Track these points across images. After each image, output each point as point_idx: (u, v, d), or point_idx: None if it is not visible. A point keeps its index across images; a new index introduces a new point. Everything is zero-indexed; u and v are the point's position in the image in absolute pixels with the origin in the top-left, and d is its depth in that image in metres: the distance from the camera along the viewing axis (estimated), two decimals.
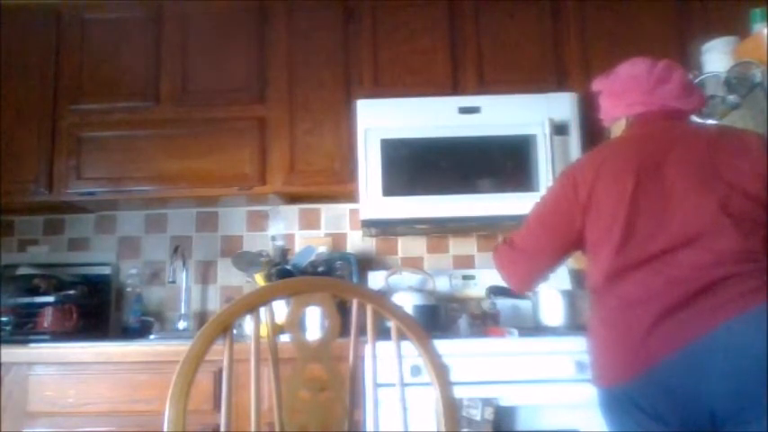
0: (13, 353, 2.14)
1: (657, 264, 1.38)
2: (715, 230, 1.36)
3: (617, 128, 1.67)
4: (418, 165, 2.43)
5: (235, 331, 1.13)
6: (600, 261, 1.46)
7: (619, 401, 1.39)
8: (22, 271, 2.62)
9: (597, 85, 1.71)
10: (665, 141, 1.49)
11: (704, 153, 1.44)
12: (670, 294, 1.33)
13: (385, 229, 2.60)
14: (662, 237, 1.39)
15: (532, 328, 2.35)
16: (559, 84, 2.54)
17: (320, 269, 2.54)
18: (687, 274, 1.34)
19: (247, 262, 2.53)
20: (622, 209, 1.42)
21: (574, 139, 2.41)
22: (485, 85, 2.55)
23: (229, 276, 2.79)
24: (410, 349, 1.19)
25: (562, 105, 2.42)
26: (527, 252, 1.62)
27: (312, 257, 2.54)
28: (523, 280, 1.68)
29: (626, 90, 1.61)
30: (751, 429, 1.26)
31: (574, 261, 1.80)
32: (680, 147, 1.47)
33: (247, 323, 2.36)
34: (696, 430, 1.31)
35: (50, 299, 2.51)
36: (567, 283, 2.43)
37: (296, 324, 1.15)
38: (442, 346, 1.24)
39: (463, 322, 2.39)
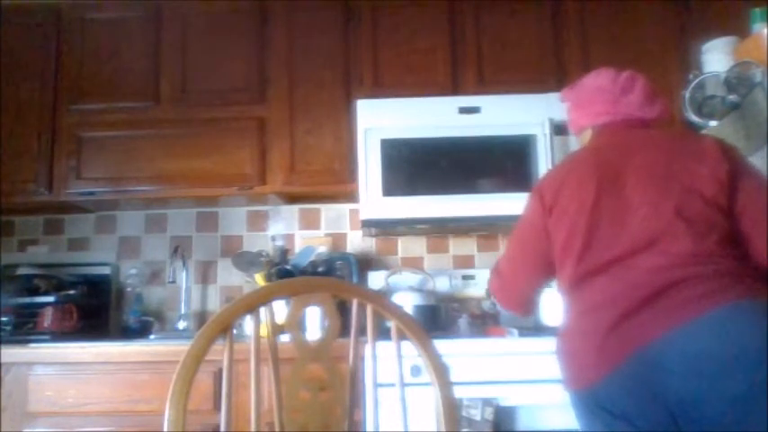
0: (13, 353, 2.14)
1: (617, 269, 1.40)
2: (671, 234, 1.38)
3: (584, 137, 1.71)
4: (418, 165, 2.43)
5: (235, 331, 1.13)
6: (565, 268, 1.50)
7: (586, 404, 1.42)
8: (22, 271, 2.61)
9: (564, 95, 1.76)
10: (626, 150, 1.52)
11: (663, 159, 1.47)
12: (628, 298, 1.35)
13: (385, 229, 2.59)
14: (621, 243, 1.41)
15: (532, 328, 2.35)
16: (559, 84, 2.52)
17: (320, 269, 2.55)
18: (644, 277, 1.36)
19: (247, 262, 2.53)
20: (584, 217, 1.45)
21: (573, 139, 2.38)
22: (485, 85, 2.55)
23: (229, 276, 2.79)
24: (410, 349, 1.19)
25: (562, 105, 2.41)
26: (512, 276, 1.67)
27: (312, 257, 2.54)
28: (517, 304, 1.72)
29: (591, 101, 1.65)
30: (710, 430, 1.26)
31: None
32: (640, 154, 1.49)
33: (247, 323, 2.36)
34: (661, 430, 1.33)
35: (50, 299, 2.51)
36: None
37: (296, 324, 1.15)
38: (442, 346, 1.24)
39: (463, 322, 2.39)
